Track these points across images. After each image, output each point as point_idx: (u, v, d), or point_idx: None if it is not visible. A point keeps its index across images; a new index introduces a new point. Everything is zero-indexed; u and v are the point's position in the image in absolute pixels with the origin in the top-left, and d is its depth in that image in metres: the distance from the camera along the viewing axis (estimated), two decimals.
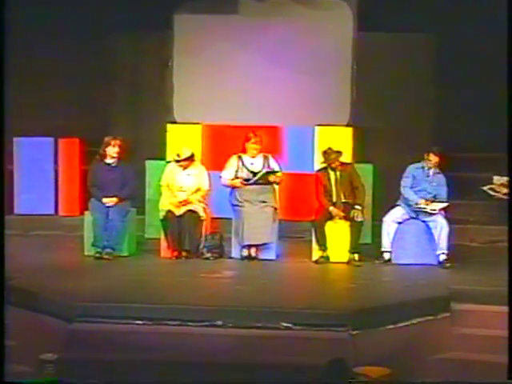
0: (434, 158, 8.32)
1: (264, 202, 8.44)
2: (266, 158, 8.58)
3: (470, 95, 10.23)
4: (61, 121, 10.53)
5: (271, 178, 8.46)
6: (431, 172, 8.39)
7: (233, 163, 8.55)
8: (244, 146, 8.57)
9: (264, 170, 8.41)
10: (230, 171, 8.53)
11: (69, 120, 10.57)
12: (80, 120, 10.55)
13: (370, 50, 10.10)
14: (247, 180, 8.46)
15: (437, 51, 10.36)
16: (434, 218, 8.26)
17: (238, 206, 8.45)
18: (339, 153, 8.46)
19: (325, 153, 8.47)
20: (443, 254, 8.18)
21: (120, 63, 10.83)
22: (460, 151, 9.74)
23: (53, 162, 10.31)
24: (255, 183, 8.43)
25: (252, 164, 8.53)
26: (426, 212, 8.25)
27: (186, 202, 8.49)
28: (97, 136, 8.99)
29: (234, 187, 8.50)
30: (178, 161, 8.57)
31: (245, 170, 8.50)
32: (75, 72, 10.69)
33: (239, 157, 8.56)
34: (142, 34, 10.52)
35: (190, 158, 8.62)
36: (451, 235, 8.30)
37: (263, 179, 8.45)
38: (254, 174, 8.48)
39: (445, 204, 8.30)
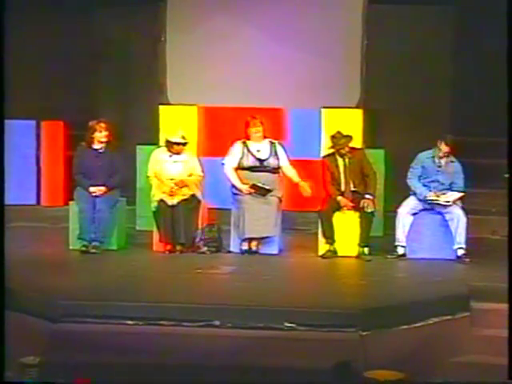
0: (445, 148, 8.28)
1: (269, 189, 8.44)
2: (272, 144, 8.59)
3: (491, 74, 10.19)
4: (43, 102, 10.53)
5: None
6: (443, 162, 8.37)
7: (237, 149, 8.55)
8: (245, 132, 8.55)
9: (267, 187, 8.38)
10: (235, 158, 8.53)
11: (52, 101, 10.57)
12: (65, 101, 10.56)
13: (382, 24, 10.09)
14: (252, 168, 8.43)
15: (455, 25, 10.35)
16: (449, 209, 8.26)
17: (239, 194, 8.46)
18: (349, 137, 8.45)
19: (333, 137, 8.46)
20: (461, 248, 8.19)
21: (108, 39, 10.82)
22: (481, 135, 9.74)
23: (35, 147, 10.31)
24: (261, 170, 8.44)
25: (258, 151, 8.53)
26: (440, 204, 8.24)
27: (179, 188, 8.47)
28: (83, 119, 8.99)
29: (234, 184, 8.46)
30: (180, 143, 8.52)
31: (251, 157, 8.50)
32: (59, 49, 10.69)
33: (244, 143, 8.56)
34: (132, 7, 10.51)
35: (186, 143, 8.62)
36: (471, 227, 8.31)
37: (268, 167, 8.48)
38: (261, 161, 8.48)
39: (459, 194, 8.29)
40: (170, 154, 8.60)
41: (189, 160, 8.63)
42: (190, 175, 8.57)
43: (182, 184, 8.51)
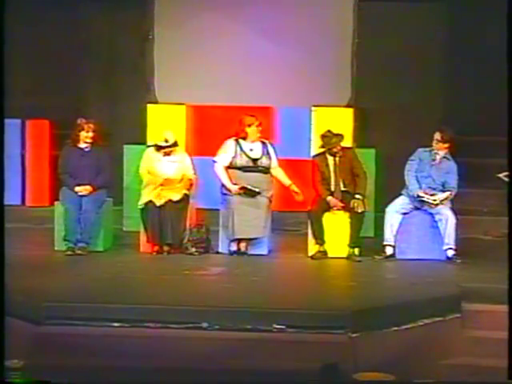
0: (438, 136, 8.32)
1: (259, 192, 8.47)
2: (264, 143, 8.61)
3: (485, 71, 10.24)
4: (28, 100, 10.51)
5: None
6: (438, 157, 8.42)
7: (230, 148, 8.56)
8: (244, 131, 8.55)
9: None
10: (227, 157, 8.54)
11: (37, 99, 10.55)
12: (50, 99, 10.54)
13: (373, 22, 10.11)
14: (245, 167, 8.48)
15: (448, 23, 10.38)
16: (438, 209, 8.29)
17: (228, 194, 8.48)
18: (340, 136, 8.48)
19: (324, 136, 8.48)
20: (450, 248, 8.23)
21: (94, 36, 10.81)
22: (473, 134, 9.78)
23: (19, 146, 10.31)
24: (252, 171, 8.48)
25: (251, 150, 8.56)
26: (429, 203, 8.28)
27: (168, 191, 8.50)
28: (69, 117, 9.00)
29: (224, 184, 8.50)
30: (164, 147, 8.57)
31: (244, 156, 8.52)
32: (44, 46, 10.67)
33: (236, 141, 8.57)
34: (119, 2, 10.50)
35: (175, 144, 8.64)
36: (463, 227, 8.35)
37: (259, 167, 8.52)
38: (254, 160, 8.51)
39: (446, 194, 8.32)
40: (163, 154, 8.63)
41: (183, 161, 8.64)
42: (182, 177, 8.59)
43: (173, 184, 8.52)
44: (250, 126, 8.52)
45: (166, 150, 8.59)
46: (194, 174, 8.66)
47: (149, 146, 8.97)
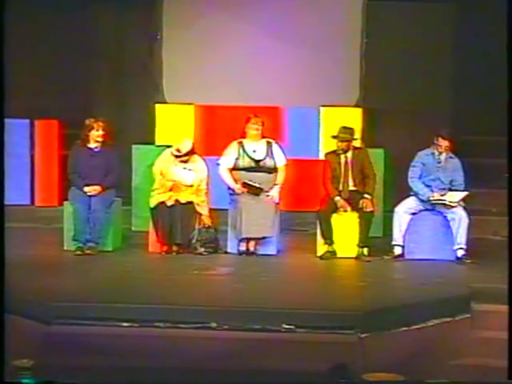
0: (443, 142, 8.32)
1: (266, 191, 8.46)
2: (269, 144, 8.59)
3: (492, 73, 10.22)
4: (37, 101, 10.52)
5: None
6: (443, 158, 8.40)
7: (233, 149, 8.57)
8: (246, 131, 8.56)
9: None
10: (230, 159, 8.54)
11: (46, 100, 10.56)
12: (59, 100, 10.54)
13: (382, 21, 10.10)
14: (248, 168, 8.47)
15: (456, 23, 10.37)
16: (452, 209, 8.26)
17: (235, 194, 8.48)
18: (353, 135, 8.44)
19: (339, 130, 8.41)
20: (461, 248, 8.21)
21: (103, 36, 10.82)
22: (482, 134, 9.75)
23: (28, 146, 10.32)
24: (256, 171, 8.47)
25: (254, 151, 8.55)
26: (445, 204, 8.26)
27: (179, 194, 8.48)
28: (77, 117, 8.99)
29: (227, 184, 8.50)
30: (177, 156, 8.55)
31: (246, 158, 8.52)
32: (53, 46, 10.68)
33: (240, 142, 8.57)
34: (127, 2, 10.52)
35: (191, 152, 8.60)
36: (472, 228, 8.32)
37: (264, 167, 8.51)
38: (257, 161, 8.50)
39: (463, 194, 8.30)
40: (179, 160, 8.60)
41: (198, 171, 8.57)
42: (196, 186, 8.54)
43: (185, 189, 8.50)
44: (248, 122, 8.51)
45: (180, 158, 8.57)
46: (207, 187, 8.58)
47: (160, 146, 8.93)
